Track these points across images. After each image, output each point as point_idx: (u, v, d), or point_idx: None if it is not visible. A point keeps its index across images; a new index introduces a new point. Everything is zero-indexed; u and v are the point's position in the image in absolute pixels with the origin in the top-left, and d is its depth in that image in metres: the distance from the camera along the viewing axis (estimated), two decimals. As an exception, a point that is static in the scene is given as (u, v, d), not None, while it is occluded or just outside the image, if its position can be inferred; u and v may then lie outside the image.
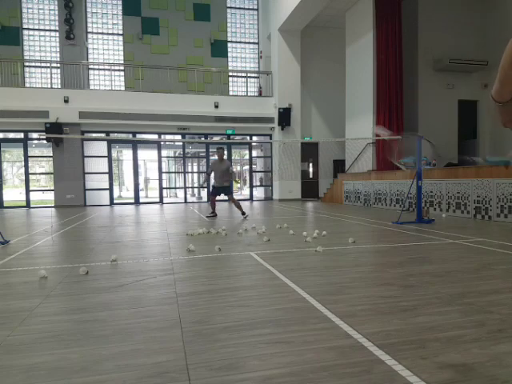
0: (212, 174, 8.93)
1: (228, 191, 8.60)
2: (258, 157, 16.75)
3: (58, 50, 14.20)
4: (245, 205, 13.16)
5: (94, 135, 13.79)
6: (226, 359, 1.73)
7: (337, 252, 4.24)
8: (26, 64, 13.96)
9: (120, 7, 14.71)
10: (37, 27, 14.16)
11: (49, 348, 1.89)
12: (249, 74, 15.94)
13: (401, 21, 11.62)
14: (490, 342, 1.87)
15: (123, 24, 14.75)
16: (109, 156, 14.02)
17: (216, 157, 8.96)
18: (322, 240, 5.00)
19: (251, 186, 15.93)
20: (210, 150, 15.44)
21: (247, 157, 16.90)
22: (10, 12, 13.78)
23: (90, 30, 14.59)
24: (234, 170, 9.35)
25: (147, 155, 18.74)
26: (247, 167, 17.42)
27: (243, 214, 8.31)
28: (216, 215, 8.80)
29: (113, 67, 14.52)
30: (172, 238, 5.55)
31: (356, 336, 1.96)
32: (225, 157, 8.90)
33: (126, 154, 20.79)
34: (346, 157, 13.44)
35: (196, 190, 19.67)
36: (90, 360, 1.75)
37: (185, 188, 15.69)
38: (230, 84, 15.72)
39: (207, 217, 8.67)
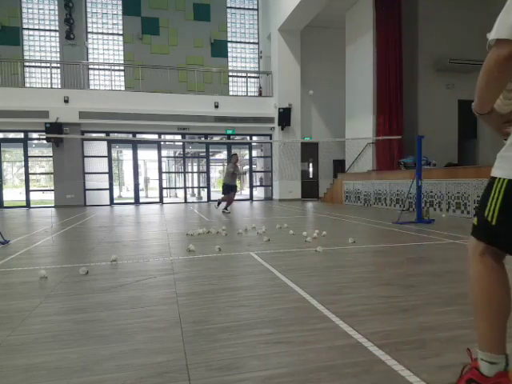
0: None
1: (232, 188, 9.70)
2: (258, 157, 16.74)
3: (58, 49, 14.19)
4: (245, 205, 13.16)
5: (94, 135, 13.79)
6: (225, 359, 1.73)
7: (337, 252, 4.24)
8: (26, 64, 13.95)
9: (120, 7, 14.70)
10: (37, 27, 14.15)
11: (49, 348, 1.89)
12: (249, 74, 15.94)
13: (401, 21, 11.62)
14: (490, 341, 1.87)
15: (123, 24, 14.74)
16: (109, 156, 14.01)
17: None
18: (322, 240, 5.00)
19: (251, 186, 15.92)
20: (210, 149, 15.42)
21: (247, 157, 16.88)
22: (10, 12, 13.77)
23: (90, 29, 14.58)
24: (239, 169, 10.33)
25: (147, 155, 18.74)
26: (247, 167, 17.41)
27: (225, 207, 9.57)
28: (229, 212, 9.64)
29: (113, 67, 14.51)
30: (172, 237, 5.55)
31: (356, 336, 1.96)
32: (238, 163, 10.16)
33: (126, 153, 20.80)
34: (346, 157, 13.43)
35: (196, 190, 19.67)
36: (89, 360, 1.75)
37: (185, 188, 15.68)
38: (230, 84, 15.71)
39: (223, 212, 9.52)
